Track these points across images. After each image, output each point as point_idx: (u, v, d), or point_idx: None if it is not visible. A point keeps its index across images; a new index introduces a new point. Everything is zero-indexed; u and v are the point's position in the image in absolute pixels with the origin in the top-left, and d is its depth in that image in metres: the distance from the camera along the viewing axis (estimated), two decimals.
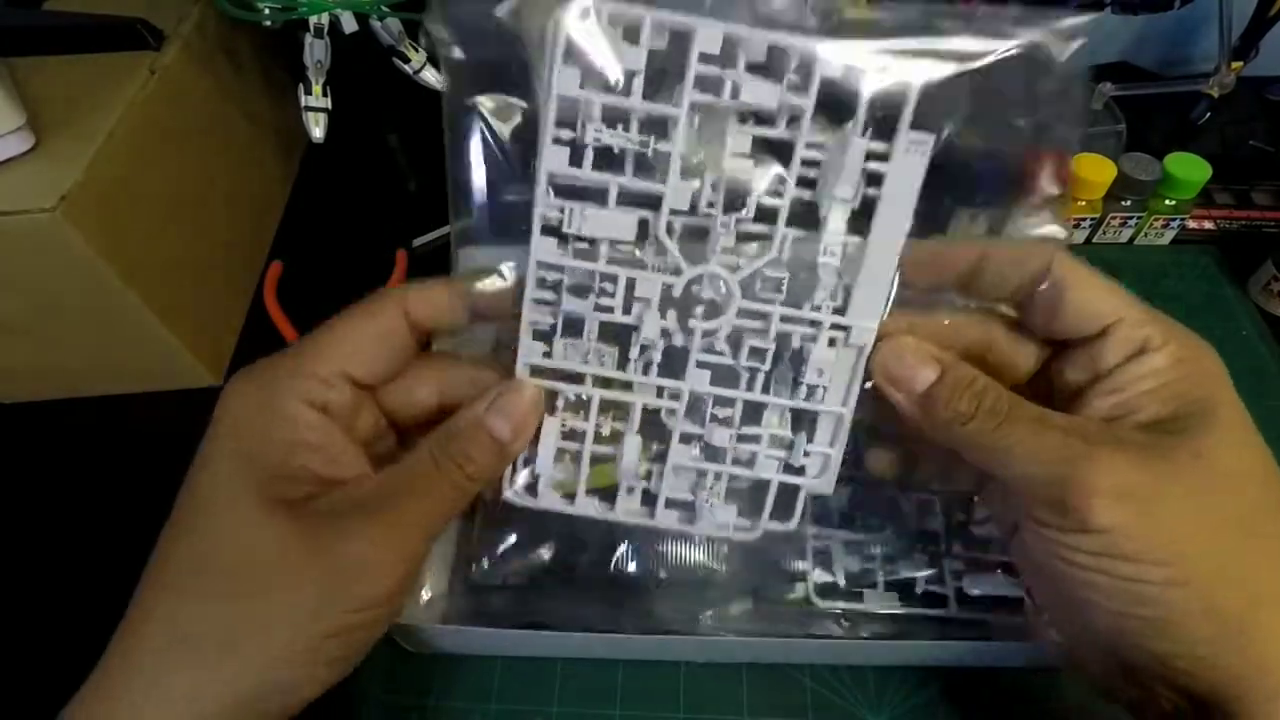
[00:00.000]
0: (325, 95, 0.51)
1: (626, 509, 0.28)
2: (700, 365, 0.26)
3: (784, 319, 0.25)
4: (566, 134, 0.24)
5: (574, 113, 0.24)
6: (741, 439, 0.27)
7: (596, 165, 0.25)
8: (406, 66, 0.53)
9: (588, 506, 0.27)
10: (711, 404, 0.27)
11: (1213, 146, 0.56)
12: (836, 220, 0.25)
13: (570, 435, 0.27)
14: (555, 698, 0.34)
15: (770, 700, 0.33)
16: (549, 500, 0.27)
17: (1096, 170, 0.47)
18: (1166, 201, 0.48)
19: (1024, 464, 0.23)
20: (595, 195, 0.25)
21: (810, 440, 0.26)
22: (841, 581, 0.32)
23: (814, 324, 0.25)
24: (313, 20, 0.48)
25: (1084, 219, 0.49)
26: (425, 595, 0.36)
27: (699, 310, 0.25)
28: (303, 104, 0.51)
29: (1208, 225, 0.51)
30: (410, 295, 0.25)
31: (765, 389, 0.26)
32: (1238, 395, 0.24)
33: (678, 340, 0.26)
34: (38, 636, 0.38)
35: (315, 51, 0.50)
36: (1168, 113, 0.59)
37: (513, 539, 0.34)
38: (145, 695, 0.22)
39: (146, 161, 0.42)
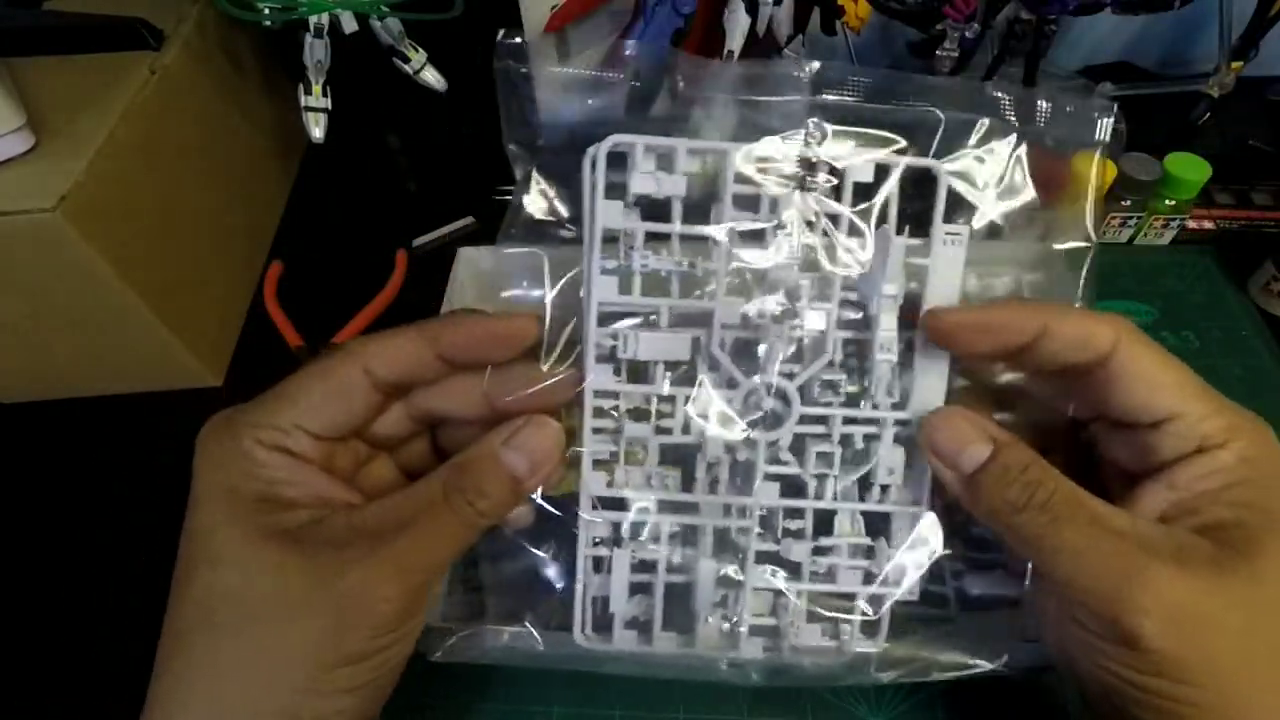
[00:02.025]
0: (325, 95, 0.51)
1: (707, 642, 0.27)
2: (768, 478, 0.26)
3: (846, 420, 0.25)
4: (612, 263, 0.25)
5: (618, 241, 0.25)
6: (818, 551, 0.26)
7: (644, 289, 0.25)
8: (406, 66, 0.53)
9: (666, 643, 0.27)
10: (783, 517, 0.26)
11: (1213, 146, 0.56)
12: (887, 318, 0.25)
13: (640, 567, 0.27)
14: (555, 698, 0.34)
15: (770, 700, 0.33)
16: (624, 642, 0.27)
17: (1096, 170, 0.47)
18: (1166, 201, 0.48)
19: (1074, 570, 0.21)
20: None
21: (890, 544, 0.26)
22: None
23: (876, 422, 0.25)
24: (313, 20, 0.49)
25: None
26: None
27: (760, 422, 0.26)
28: (303, 104, 0.51)
29: (1208, 225, 0.51)
30: (370, 350, 0.24)
31: (835, 495, 0.26)
32: None
33: (741, 455, 0.26)
34: (38, 636, 0.38)
35: (315, 51, 0.50)
36: (1168, 113, 0.59)
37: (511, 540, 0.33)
38: None
39: (146, 161, 0.42)
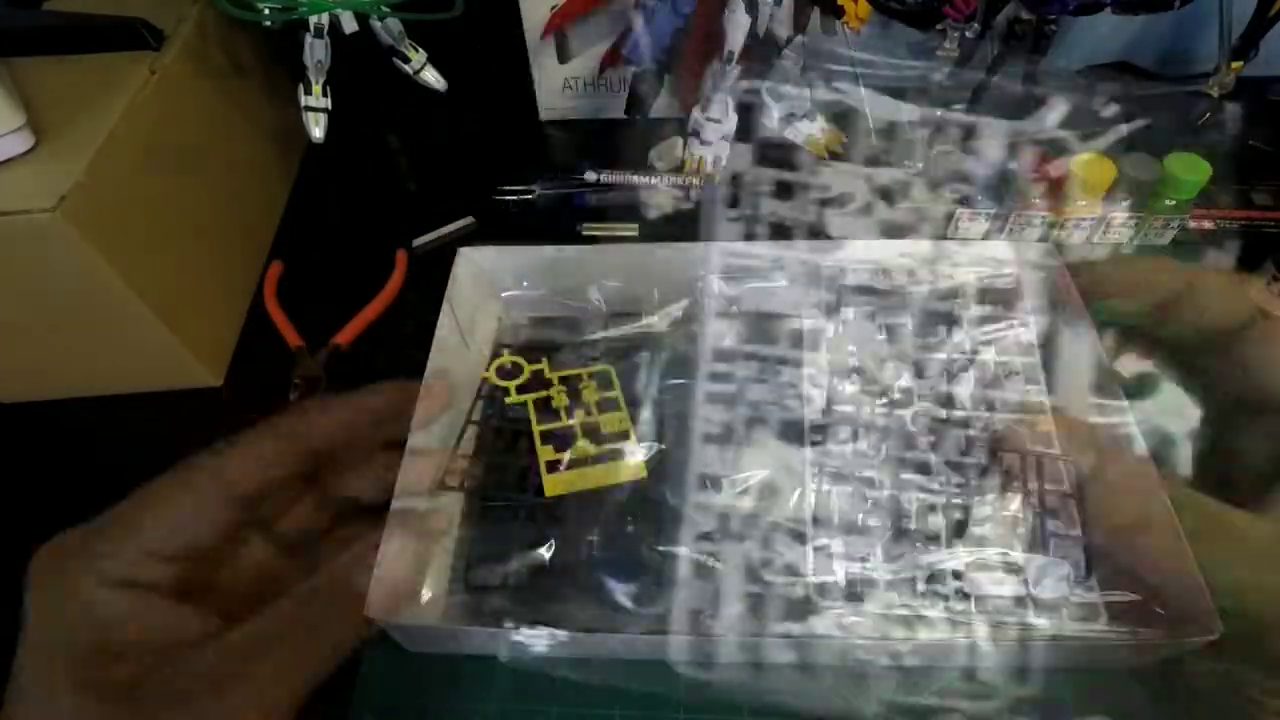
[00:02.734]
0: (325, 95, 0.51)
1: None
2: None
3: None
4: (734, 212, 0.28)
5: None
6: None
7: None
8: (406, 66, 0.53)
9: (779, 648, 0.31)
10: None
11: (1213, 146, 0.56)
12: None
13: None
14: (555, 698, 0.34)
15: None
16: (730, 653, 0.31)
17: (1096, 170, 0.47)
18: (1166, 201, 0.48)
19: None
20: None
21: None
22: (842, 581, 0.32)
23: None
24: (313, 20, 0.49)
25: (1084, 219, 0.49)
26: (425, 595, 0.35)
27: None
28: (303, 104, 0.51)
29: (1208, 225, 0.51)
30: (228, 464, 0.23)
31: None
32: None
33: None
34: None
35: (315, 51, 0.50)
36: (1168, 113, 0.59)
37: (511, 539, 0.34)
38: None
39: (146, 161, 0.42)
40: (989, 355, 0.38)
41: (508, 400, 0.41)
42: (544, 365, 0.42)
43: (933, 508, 0.34)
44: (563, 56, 0.60)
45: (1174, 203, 0.48)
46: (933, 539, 0.33)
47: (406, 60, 0.53)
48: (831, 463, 0.35)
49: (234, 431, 0.46)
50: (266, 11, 0.47)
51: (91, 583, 0.21)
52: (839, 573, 0.32)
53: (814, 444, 0.35)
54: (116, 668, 0.20)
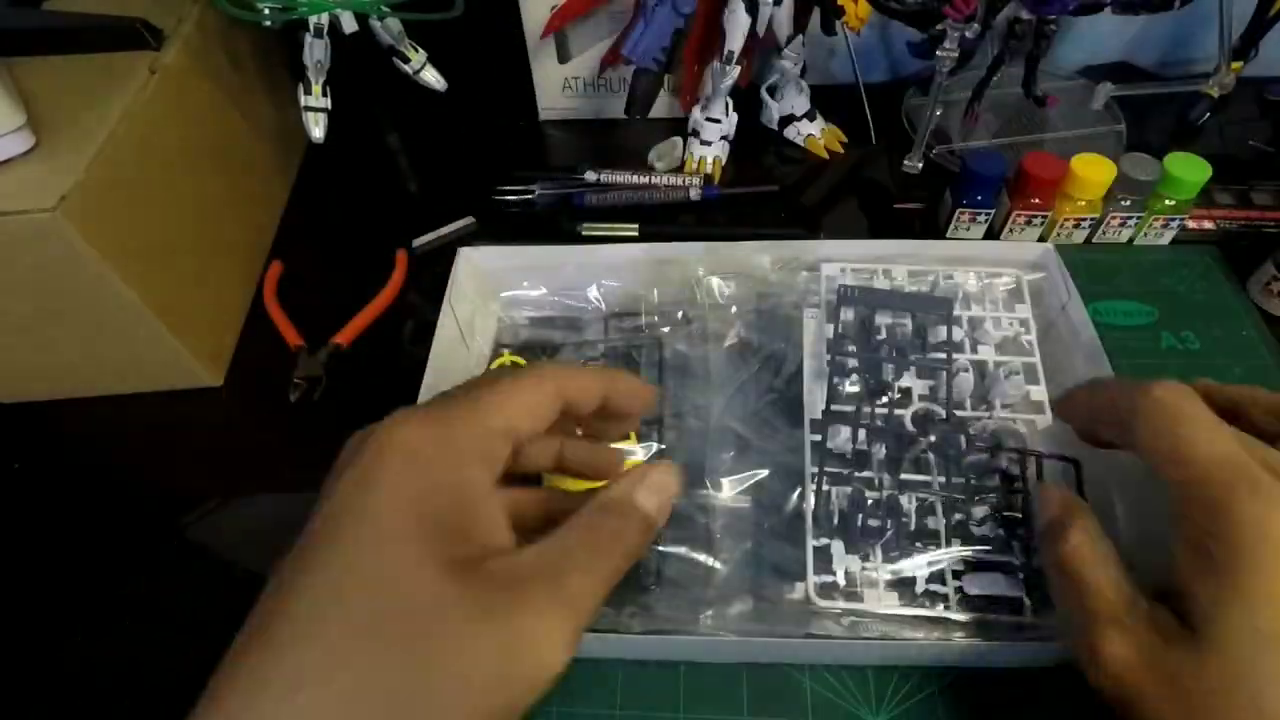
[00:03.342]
0: (325, 95, 0.51)
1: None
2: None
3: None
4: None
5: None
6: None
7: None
8: (406, 66, 0.53)
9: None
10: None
11: (1213, 146, 0.56)
12: None
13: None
14: (554, 698, 0.34)
15: (770, 700, 0.33)
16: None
17: (1096, 170, 0.47)
18: (1166, 201, 0.48)
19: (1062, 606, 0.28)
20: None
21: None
22: (841, 581, 0.32)
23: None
24: (313, 20, 0.49)
25: (1084, 219, 0.49)
26: None
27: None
28: (303, 104, 0.51)
29: (1208, 225, 0.51)
30: (564, 376, 0.26)
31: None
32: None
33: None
34: (38, 636, 0.38)
35: (315, 51, 0.50)
36: (1168, 113, 0.59)
37: None
38: None
39: (146, 161, 0.42)
40: (988, 354, 0.38)
41: None
42: (544, 363, 0.42)
43: (932, 508, 0.34)
44: (563, 56, 0.61)
45: (1174, 203, 0.48)
46: (932, 539, 0.33)
47: (406, 60, 0.53)
48: (831, 463, 0.35)
49: (234, 432, 0.46)
50: (266, 11, 0.47)
51: (475, 456, 0.23)
52: (839, 573, 0.32)
53: (814, 444, 0.35)
54: (459, 544, 0.21)
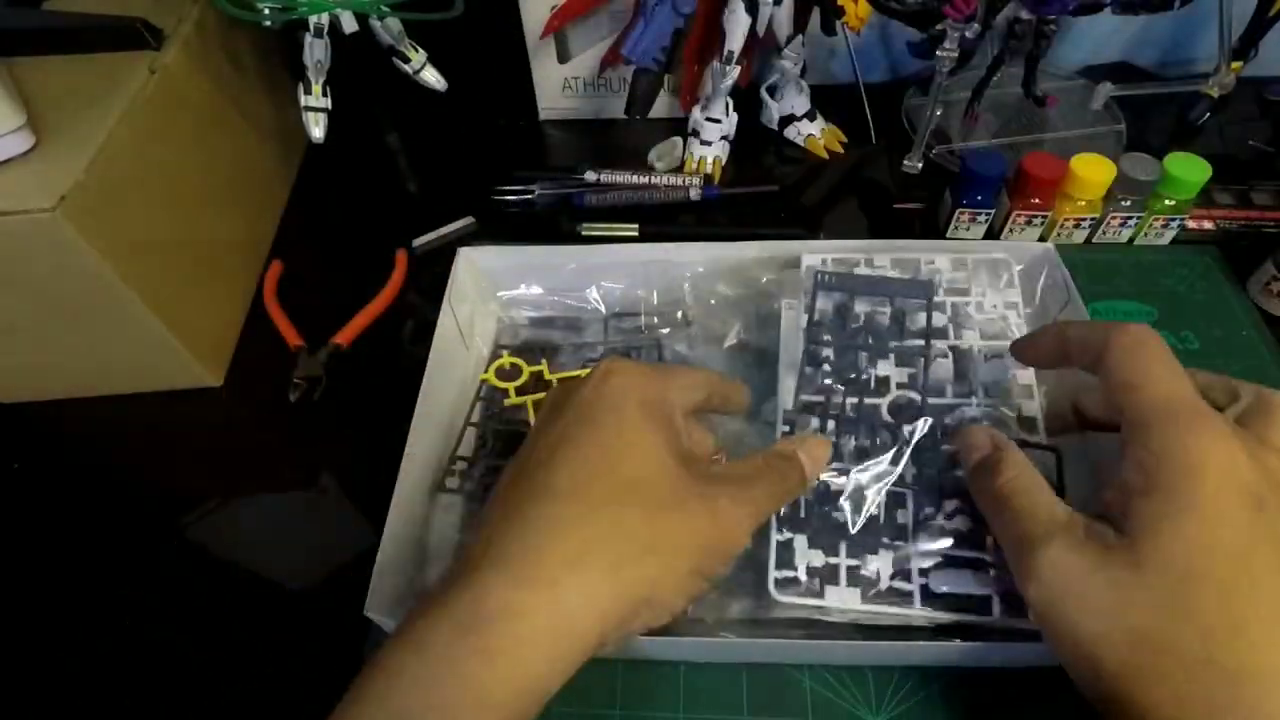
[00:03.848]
0: (325, 95, 0.51)
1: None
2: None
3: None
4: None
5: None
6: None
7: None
8: (406, 66, 0.53)
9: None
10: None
11: (1213, 146, 0.56)
12: None
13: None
14: (555, 697, 0.34)
15: (770, 700, 0.33)
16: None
17: (1096, 170, 0.47)
18: (1166, 201, 0.48)
19: (1000, 538, 0.29)
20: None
21: None
22: (803, 577, 0.32)
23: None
24: (313, 20, 0.49)
25: (1084, 219, 0.49)
26: None
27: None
28: (303, 104, 0.51)
29: (1208, 225, 0.51)
30: (715, 375, 0.33)
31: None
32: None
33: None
34: (38, 636, 0.38)
35: (315, 51, 0.50)
36: (1168, 113, 0.59)
37: None
38: (546, 595, 0.24)
39: (146, 161, 0.42)
40: (973, 339, 0.37)
41: (506, 402, 0.41)
42: (543, 367, 0.42)
43: (902, 500, 0.33)
44: (563, 56, 0.61)
45: (1174, 203, 0.48)
46: (900, 534, 0.33)
47: (406, 60, 0.53)
48: None
49: (234, 432, 0.46)
50: (266, 11, 0.47)
51: (676, 409, 0.29)
52: (800, 568, 0.32)
53: (785, 435, 0.35)
54: (684, 445, 0.29)
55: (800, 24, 0.54)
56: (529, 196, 0.56)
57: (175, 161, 0.45)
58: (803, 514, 0.33)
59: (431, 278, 0.44)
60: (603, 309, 0.45)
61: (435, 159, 0.62)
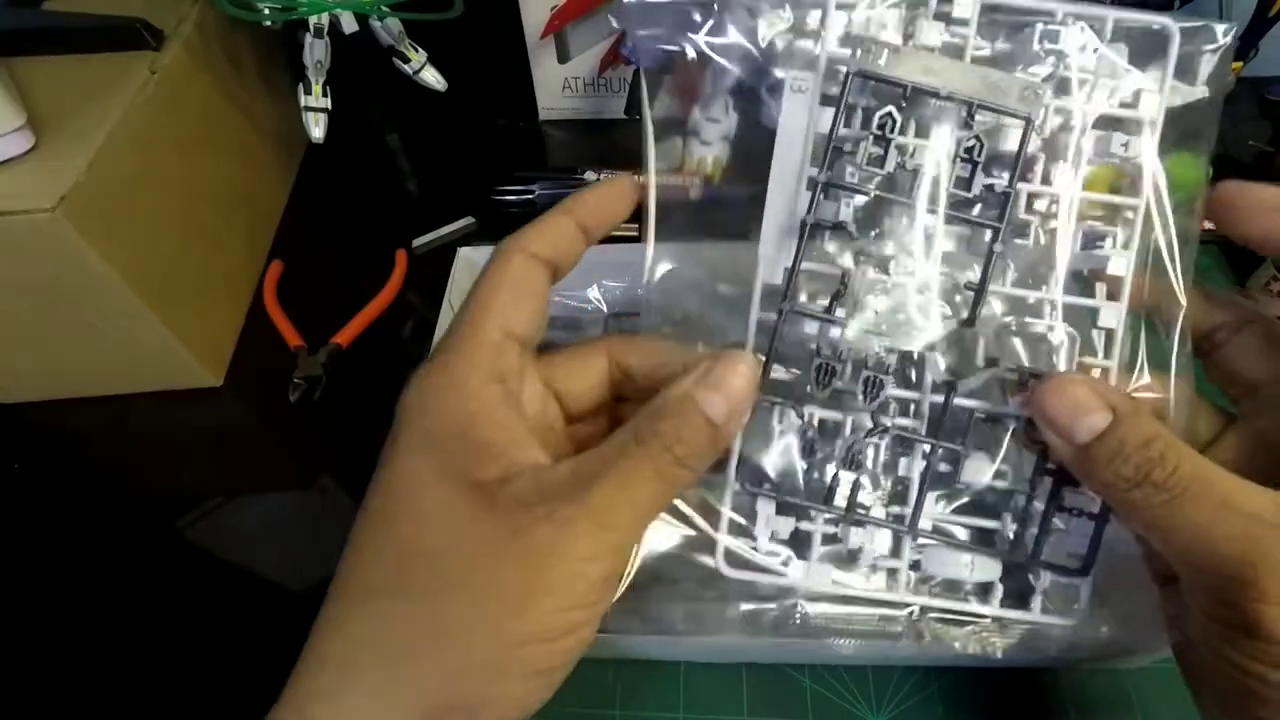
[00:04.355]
0: (325, 95, 0.51)
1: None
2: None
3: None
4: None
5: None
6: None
7: None
8: (406, 66, 0.53)
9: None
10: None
11: (1213, 146, 0.56)
12: None
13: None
14: (555, 697, 0.34)
15: (770, 700, 0.33)
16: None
17: (1096, 170, 0.47)
18: None
19: (1192, 550, 0.20)
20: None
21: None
22: (763, 548, 0.26)
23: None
24: (313, 20, 0.49)
25: None
26: None
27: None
28: (303, 104, 0.51)
29: (1208, 225, 0.51)
30: (526, 237, 0.24)
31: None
32: None
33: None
34: (38, 636, 0.38)
35: (315, 51, 0.50)
36: (1167, 113, 0.59)
37: None
38: (328, 707, 0.20)
39: (146, 161, 0.42)
40: (1069, 194, 0.25)
41: None
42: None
43: (908, 446, 0.25)
44: (562, 56, 0.61)
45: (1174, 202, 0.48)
46: (898, 495, 0.26)
47: (406, 60, 0.53)
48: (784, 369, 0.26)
49: (234, 432, 0.46)
50: (266, 11, 0.47)
51: (470, 374, 0.22)
52: (760, 538, 0.26)
53: (759, 327, 0.26)
54: (484, 465, 0.21)
55: None
56: (529, 196, 0.56)
57: (175, 161, 0.45)
58: (776, 468, 0.26)
59: (431, 278, 0.44)
60: (604, 308, 0.45)
61: (435, 159, 0.62)
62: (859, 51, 0.23)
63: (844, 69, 0.24)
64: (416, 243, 0.54)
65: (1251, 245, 0.24)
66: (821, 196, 0.24)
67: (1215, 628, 0.20)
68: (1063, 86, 0.24)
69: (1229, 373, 0.25)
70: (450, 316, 0.42)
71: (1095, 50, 0.24)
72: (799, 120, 0.25)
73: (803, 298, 0.25)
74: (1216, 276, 0.49)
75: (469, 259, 0.44)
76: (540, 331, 0.25)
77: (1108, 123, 0.25)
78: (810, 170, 0.25)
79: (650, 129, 0.27)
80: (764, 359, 0.24)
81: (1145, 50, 0.25)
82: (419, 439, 0.22)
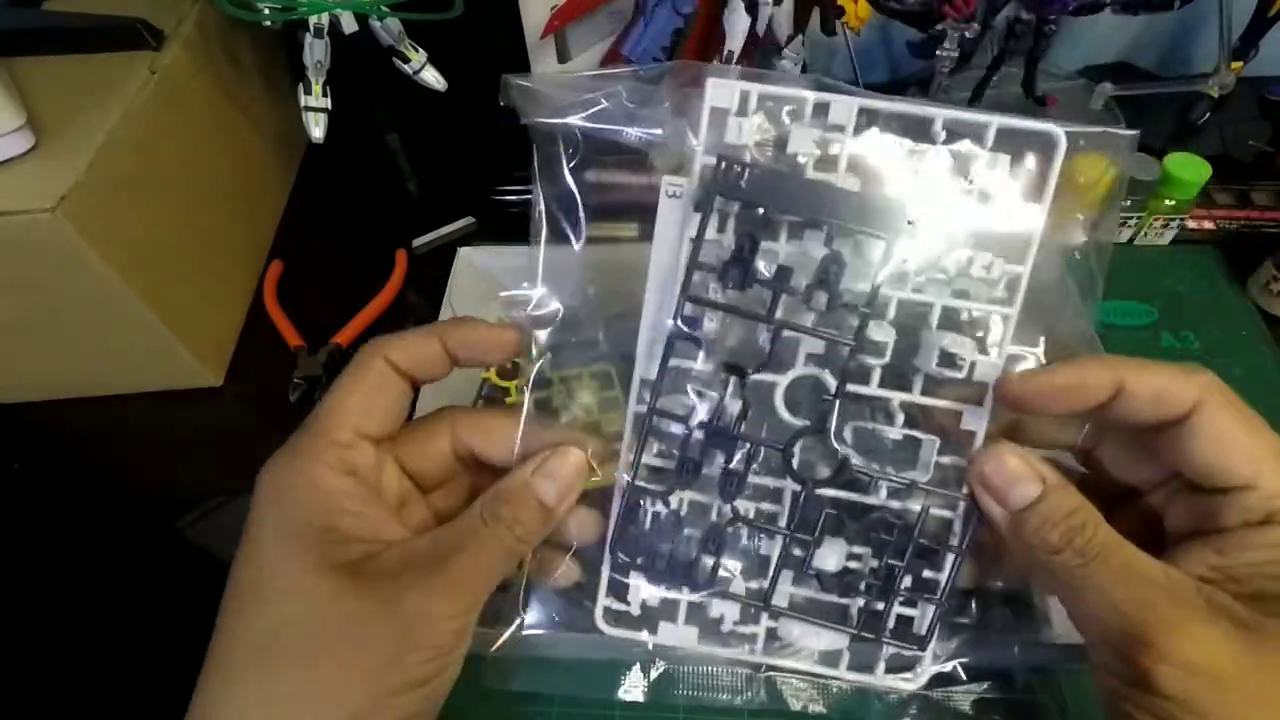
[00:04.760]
0: (325, 95, 0.51)
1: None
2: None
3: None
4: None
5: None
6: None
7: None
8: (406, 66, 0.53)
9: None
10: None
11: (1213, 146, 0.56)
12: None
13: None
14: (555, 698, 0.34)
15: (770, 700, 0.33)
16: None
17: (1096, 169, 0.47)
18: (1166, 201, 0.48)
19: (1099, 610, 0.22)
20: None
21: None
22: (636, 612, 0.28)
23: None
24: (313, 20, 0.48)
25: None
26: None
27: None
28: (303, 104, 0.51)
29: (1208, 225, 0.51)
30: (385, 344, 0.26)
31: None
32: None
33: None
34: (38, 636, 0.38)
35: (315, 51, 0.50)
36: (1168, 113, 0.59)
37: None
38: None
39: (146, 161, 0.42)
40: (936, 295, 0.25)
41: (508, 401, 0.41)
42: (544, 362, 0.42)
43: (771, 521, 0.27)
44: (563, 56, 0.60)
45: (1174, 203, 0.48)
46: (757, 569, 0.28)
47: (406, 60, 0.53)
48: (656, 453, 0.27)
49: (234, 432, 0.46)
50: (266, 11, 0.47)
51: (321, 468, 0.24)
52: (633, 604, 0.28)
53: (635, 418, 0.27)
54: (342, 548, 0.23)
55: (800, 24, 0.54)
56: (529, 196, 0.56)
57: (175, 161, 0.45)
58: (644, 541, 0.27)
59: (431, 278, 0.44)
60: (604, 308, 0.45)
61: (435, 159, 0.62)
62: (723, 167, 0.24)
63: (720, 165, 0.24)
64: (416, 243, 0.53)
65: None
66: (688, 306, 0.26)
67: (1115, 684, 0.22)
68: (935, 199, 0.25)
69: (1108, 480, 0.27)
70: (450, 316, 0.42)
71: (970, 182, 0.24)
72: (673, 227, 0.26)
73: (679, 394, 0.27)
74: (1217, 277, 0.49)
75: (469, 259, 0.44)
76: (397, 423, 0.26)
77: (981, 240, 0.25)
78: (679, 269, 0.26)
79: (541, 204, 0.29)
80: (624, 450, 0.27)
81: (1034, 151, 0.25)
82: (276, 525, 0.23)
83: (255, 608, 0.22)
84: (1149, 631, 0.21)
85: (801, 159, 0.24)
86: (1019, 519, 0.24)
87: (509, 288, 0.46)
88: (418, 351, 0.27)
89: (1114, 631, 0.22)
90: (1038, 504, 0.23)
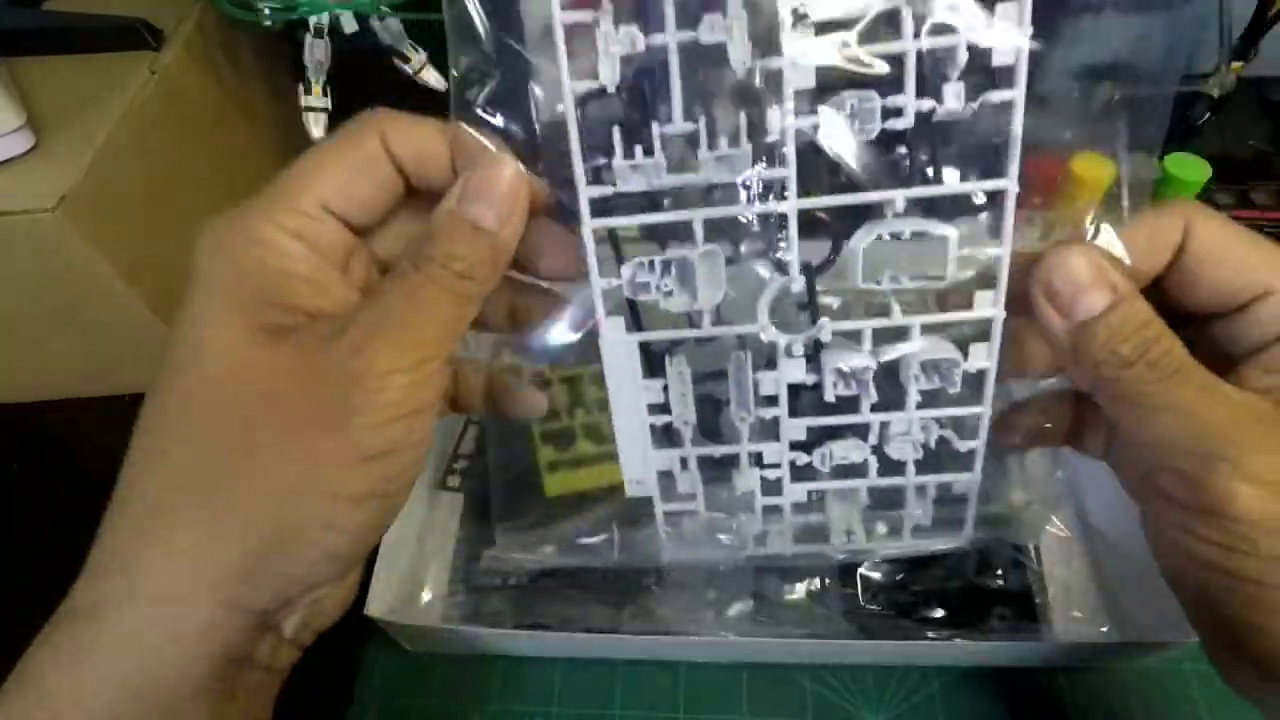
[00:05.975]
0: (325, 95, 0.51)
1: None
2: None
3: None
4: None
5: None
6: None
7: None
8: (406, 66, 0.53)
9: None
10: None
11: (1213, 146, 0.56)
12: None
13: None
14: (555, 698, 0.34)
15: (770, 700, 0.33)
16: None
17: (1096, 170, 0.47)
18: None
19: (1176, 429, 0.20)
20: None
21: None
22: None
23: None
24: (313, 20, 0.49)
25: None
26: (425, 595, 0.36)
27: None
28: (303, 104, 0.51)
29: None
30: (391, 122, 0.22)
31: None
32: None
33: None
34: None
35: (315, 51, 0.50)
36: (1168, 113, 0.59)
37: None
38: (148, 561, 0.20)
39: (146, 161, 0.42)
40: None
41: None
42: (544, 365, 0.42)
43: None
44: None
45: None
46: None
47: (406, 60, 0.53)
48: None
49: None
50: (266, 11, 0.47)
51: (271, 228, 0.21)
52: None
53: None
54: (283, 316, 0.21)
55: None
56: None
57: (175, 161, 0.45)
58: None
59: None
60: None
61: None
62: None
63: None
64: None
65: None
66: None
67: (1178, 515, 0.21)
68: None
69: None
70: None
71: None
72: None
73: None
74: None
75: None
76: (373, 218, 0.23)
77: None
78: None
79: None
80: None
81: None
82: (213, 291, 0.21)
83: (185, 371, 0.20)
84: (1235, 449, 0.19)
85: None
86: (1085, 331, 0.21)
87: None
88: (422, 145, 0.22)
89: (1190, 452, 0.20)
90: (1108, 314, 0.21)
